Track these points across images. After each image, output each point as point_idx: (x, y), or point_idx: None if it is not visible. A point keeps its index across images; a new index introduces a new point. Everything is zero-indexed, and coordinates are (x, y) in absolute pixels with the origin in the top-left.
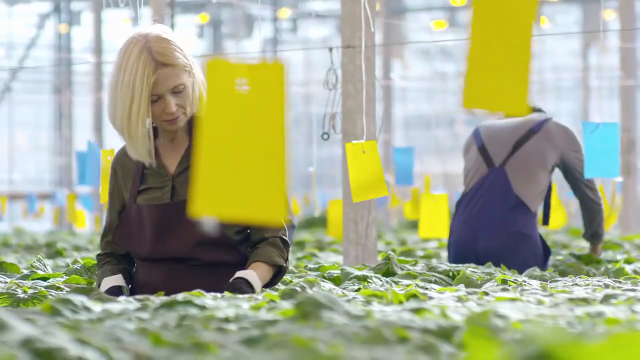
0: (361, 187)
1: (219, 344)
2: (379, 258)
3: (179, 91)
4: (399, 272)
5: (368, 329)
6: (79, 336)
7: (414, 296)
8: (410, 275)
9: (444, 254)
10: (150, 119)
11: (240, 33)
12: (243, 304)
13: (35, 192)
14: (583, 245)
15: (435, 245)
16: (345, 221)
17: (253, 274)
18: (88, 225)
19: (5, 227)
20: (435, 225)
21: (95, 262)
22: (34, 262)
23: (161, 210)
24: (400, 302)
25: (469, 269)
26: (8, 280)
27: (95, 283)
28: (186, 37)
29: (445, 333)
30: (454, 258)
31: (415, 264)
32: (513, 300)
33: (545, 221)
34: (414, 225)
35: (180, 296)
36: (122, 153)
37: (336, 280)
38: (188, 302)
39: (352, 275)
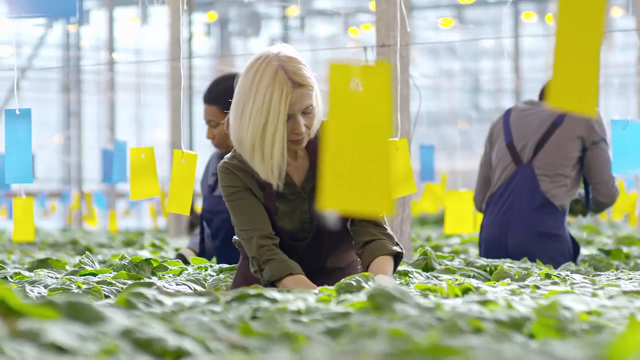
0: (396, 184)
1: (305, 335)
2: (413, 253)
3: (309, 112)
4: (437, 267)
5: (441, 320)
6: (173, 327)
7: (469, 290)
8: (449, 270)
9: (471, 249)
10: (285, 138)
11: (248, 31)
12: (309, 297)
13: (46, 191)
14: (606, 242)
15: (457, 241)
16: None
17: (385, 277)
18: (100, 223)
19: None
20: (462, 221)
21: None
22: (82, 258)
23: (304, 238)
24: (457, 296)
25: (506, 264)
26: (59, 276)
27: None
28: (194, 35)
29: (516, 324)
30: (485, 254)
31: (452, 259)
32: (567, 293)
33: (588, 204)
34: (423, 222)
35: (251, 290)
36: (245, 164)
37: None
38: (259, 295)
39: None
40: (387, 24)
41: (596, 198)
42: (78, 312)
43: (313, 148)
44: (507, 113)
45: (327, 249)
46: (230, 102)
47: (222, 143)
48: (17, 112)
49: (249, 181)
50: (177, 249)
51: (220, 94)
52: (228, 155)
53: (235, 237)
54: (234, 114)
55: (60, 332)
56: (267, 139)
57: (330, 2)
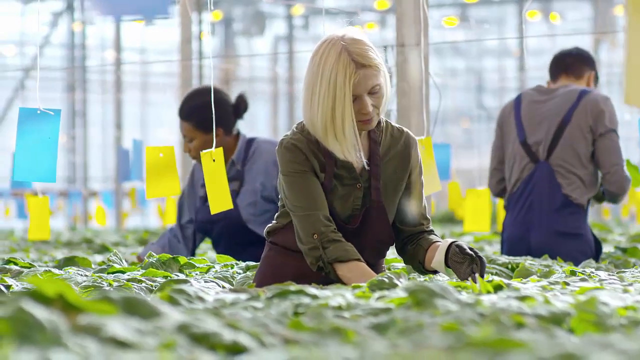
0: (426, 182)
1: (354, 330)
2: None
3: (375, 92)
4: None
5: (483, 315)
6: (227, 322)
7: (500, 287)
8: None
9: (486, 247)
10: (354, 118)
11: (252, 30)
12: (346, 293)
13: (53, 190)
14: (620, 239)
15: (471, 239)
16: None
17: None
18: (108, 222)
19: (21, 224)
20: (480, 219)
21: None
22: (111, 256)
23: (350, 223)
24: (488, 292)
25: (527, 262)
26: (88, 273)
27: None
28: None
29: (557, 319)
30: (508, 253)
31: None
32: (597, 289)
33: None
34: None
35: (291, 286)
36: (310, 142)
37: (398, 273)
38: (300, 292)
39: None
40: (407, 23)
41: (607, 188)
42: (134, 308)
43: (374, 138)
44: (518, 104)
45: (368, 240)
46: (203, 118)
47: (199, 157)
48: (39, 112)
49: (312, 157)
50: None
51: (193, 110)
52: (288, 133)
53: (268, 226)
54: (304, 97)
55: (119, 327)
56: (337, 120)
57: (335, 2)
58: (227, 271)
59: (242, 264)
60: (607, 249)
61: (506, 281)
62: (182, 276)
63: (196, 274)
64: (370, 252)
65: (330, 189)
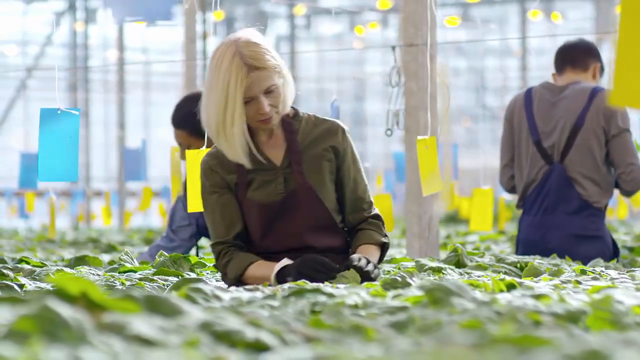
0: (428, 181)
1: (373, 328)
2: (441, 251)
3: (271, 91)
4: (469, 263)
5: (500, 314)
6: (248, 320)
7: (513, 285)
8: (480, 267)
9: (493, 246)
10: (245, 120)
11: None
12: (362, 292)
13: (55, 189)
14: (625, 239)
15: (476, 238)
16: (408, 215)
17: (368, 256)
18: (113, 221)
19: (22, 224)
20: (485, 218)
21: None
22: (122, 255)
23: (274, 204)
24: (501, 291)
25: (536, 261)
26: (100, 273)
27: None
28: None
29: (573, 317)
30: (523, 254)
31: (482, 256)
32: (610, 287)
33: (617, 185)
34: None
35: (308, 285)
36: (219, 152)
37: (411, 272)
38: (316, 290)
39: (427, 267)
40: (415, 23)
41: (622, 187)
42: (157, 306)
43: (290, 129)
44: (529, 101)
45: (301, 222)
46: (197, 124)
47: None
48: (59, 112)
49: (219, 167)
50: (200, 247)
51: (186, 117)
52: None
53: None
54: (202, 100)
55: (143, 325)
56: (227, 122)
57: (337, 1)
58: None
59: None
60: None
61: (519, 280)
62: (193, 275)
63: (207, 273)
64: (309, 235)
65: (247, 183)
